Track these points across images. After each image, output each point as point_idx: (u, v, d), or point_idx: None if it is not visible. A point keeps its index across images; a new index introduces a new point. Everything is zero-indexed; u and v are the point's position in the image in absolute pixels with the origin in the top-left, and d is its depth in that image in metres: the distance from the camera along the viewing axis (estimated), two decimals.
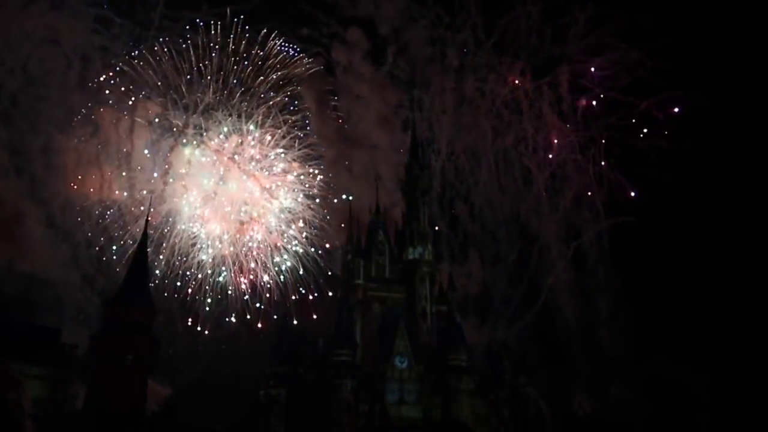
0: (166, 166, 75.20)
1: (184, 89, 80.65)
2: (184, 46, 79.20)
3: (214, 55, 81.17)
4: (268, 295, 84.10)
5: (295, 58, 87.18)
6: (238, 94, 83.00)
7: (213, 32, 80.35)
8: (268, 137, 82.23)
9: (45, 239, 68.30)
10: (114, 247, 74.11)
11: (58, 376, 38.18)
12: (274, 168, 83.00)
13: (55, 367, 37.93)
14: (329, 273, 76.58)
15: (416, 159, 70.94)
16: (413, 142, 73.16)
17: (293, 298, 79.30)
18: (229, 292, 76.83)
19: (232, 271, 77.08)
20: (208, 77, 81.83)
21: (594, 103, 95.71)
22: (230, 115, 79.89)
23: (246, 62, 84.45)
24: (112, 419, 39.37)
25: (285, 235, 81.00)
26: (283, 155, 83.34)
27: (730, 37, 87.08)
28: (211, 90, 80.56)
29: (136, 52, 76.28)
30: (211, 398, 70.09)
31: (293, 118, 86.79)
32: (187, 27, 79.89)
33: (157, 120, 78.04)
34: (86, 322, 64.59)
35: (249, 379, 65.44)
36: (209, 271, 75.73)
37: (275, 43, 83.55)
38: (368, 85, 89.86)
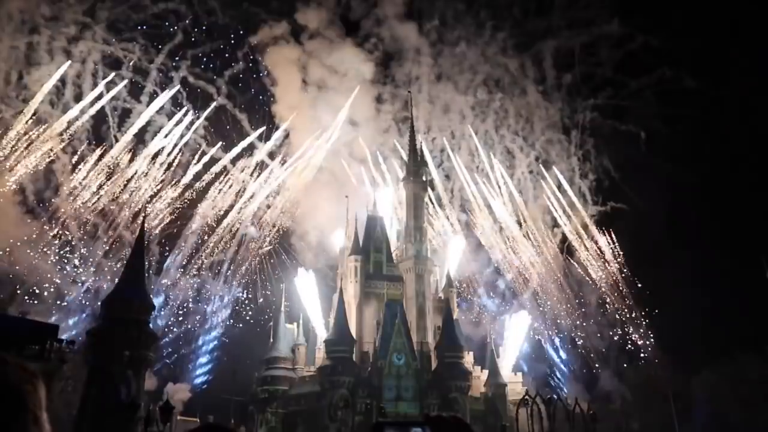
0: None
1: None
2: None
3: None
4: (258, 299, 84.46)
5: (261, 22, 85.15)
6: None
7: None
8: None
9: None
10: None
11: (55, 371, 38.10)
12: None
13: (53, 363, 37.84)
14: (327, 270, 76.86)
15: (415, 155, 70.45)
16: (412, 138, 72.56)
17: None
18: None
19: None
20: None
21: (579, 80, 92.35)
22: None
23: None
24: (109, 414, 39.39)
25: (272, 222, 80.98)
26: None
27: (725, 12, 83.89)
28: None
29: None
30: (209, 393, 70.28)
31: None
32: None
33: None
34: (67, 311, 64.51)
35: (247, 374, 65.61)
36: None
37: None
38: (338, 54, 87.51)
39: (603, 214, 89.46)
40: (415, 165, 69.02)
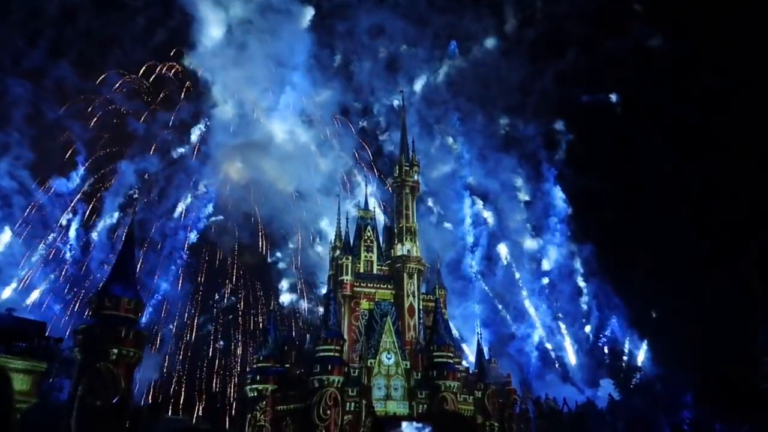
0: None
1: None
2: None
3: None
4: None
5: None
6: None
7: None
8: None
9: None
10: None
11: (42, 369, 37.76)
12: None
13: (39, 361, 37.48)
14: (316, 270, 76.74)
15: (406, 155, 70.22)
16: (403, 137, 72.36)
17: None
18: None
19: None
20: None
21: (543, 36, 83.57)
22: None
23: None
24: (97, 414, 39.04)
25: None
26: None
27: None
28: None
29: None
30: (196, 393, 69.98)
31: None
32: None
33: None
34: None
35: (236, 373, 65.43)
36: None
37: None
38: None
39: (573, 194, 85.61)
40: (407, 164, 68.85)
